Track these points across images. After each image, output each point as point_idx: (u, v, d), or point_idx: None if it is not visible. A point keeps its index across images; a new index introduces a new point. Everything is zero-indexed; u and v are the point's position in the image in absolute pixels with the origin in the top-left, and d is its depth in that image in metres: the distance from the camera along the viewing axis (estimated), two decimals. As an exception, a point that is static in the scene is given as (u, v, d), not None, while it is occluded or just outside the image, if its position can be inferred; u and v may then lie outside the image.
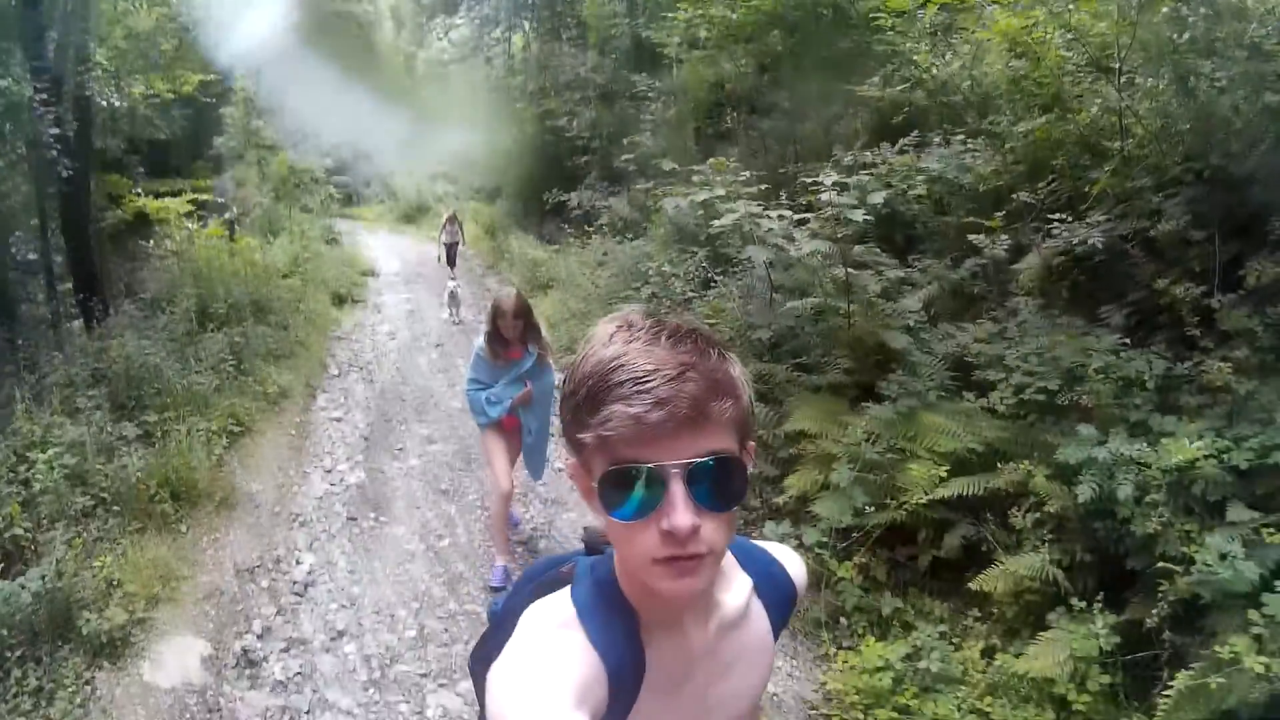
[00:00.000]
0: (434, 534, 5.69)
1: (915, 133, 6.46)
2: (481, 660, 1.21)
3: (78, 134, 8.61)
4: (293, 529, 5.67)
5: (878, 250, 5.92)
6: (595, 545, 1.09)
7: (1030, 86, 5.99)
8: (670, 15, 11.13)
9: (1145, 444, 3.67)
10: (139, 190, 13.30)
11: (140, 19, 10.67)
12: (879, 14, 7.11)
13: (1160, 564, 3.36)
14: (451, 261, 15.27)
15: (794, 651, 4.28)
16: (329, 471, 6.62)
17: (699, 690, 1.12)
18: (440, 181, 24.31)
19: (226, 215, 14.42)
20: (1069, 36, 5.46)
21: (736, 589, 1.16)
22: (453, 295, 12.05)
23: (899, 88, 6.76)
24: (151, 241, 11.52)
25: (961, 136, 6.25)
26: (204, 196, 14.38)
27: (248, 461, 6.63)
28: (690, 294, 8.56)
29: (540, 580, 1.21)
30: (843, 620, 4.36)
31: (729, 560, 1.17)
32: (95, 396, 6.49)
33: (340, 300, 12.93)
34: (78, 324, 8.37)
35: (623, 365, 0.91)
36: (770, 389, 5.88)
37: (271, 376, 8.21)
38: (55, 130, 7.92)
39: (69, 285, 9.67)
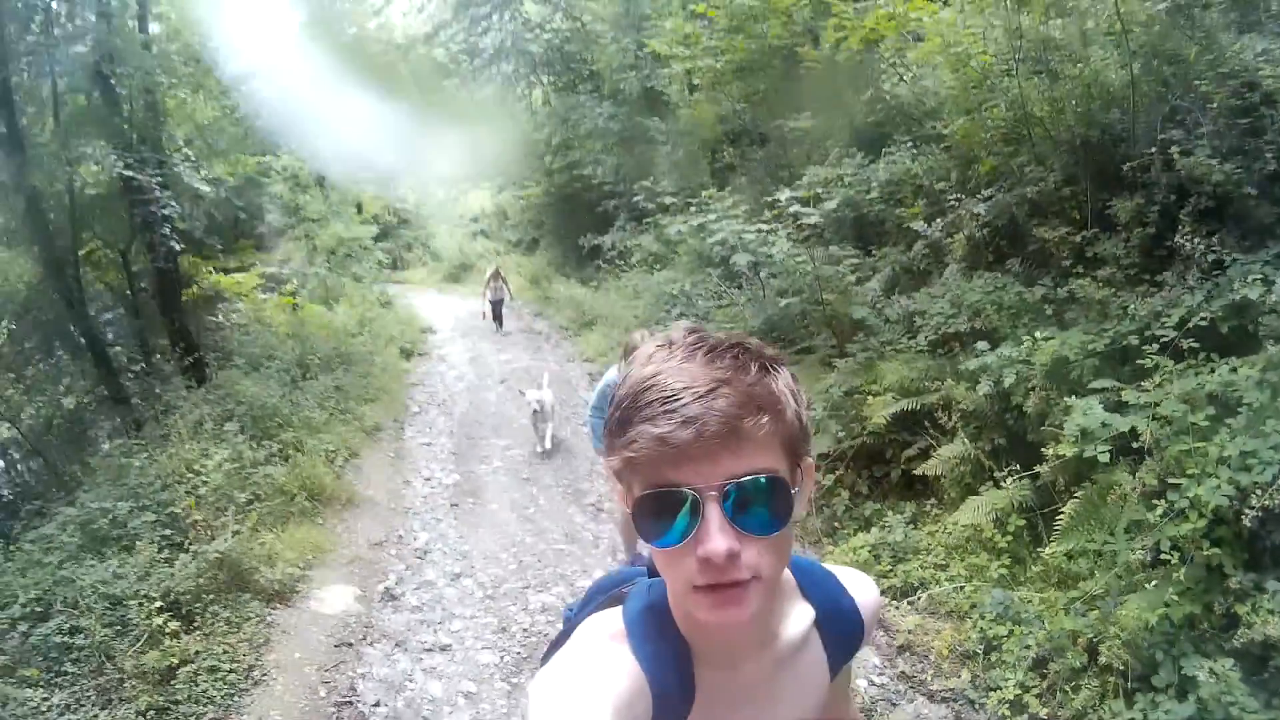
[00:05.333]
0: (522, 507, 7.14)
1: (856, 153, 7.84)
2: None
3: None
4: (407, 517, 7.11)
5: (847, 246, 7.34)
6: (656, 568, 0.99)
7: (952, 96, 7.28)
8: (666, 69, 12.60)
9: (1024, 348, 4.92)
10: (210, 268, 14.91)
11: (203, 111, 12.25)
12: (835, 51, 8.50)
13: (1046, 428, 4.62)
14: (498, 318, 15.94)
15: (801, 551, 5.51)
16: (428, 479, 8.04)
17: None
18: (479, 239, 25.80)
19: (287, 286, 15.87)
20: (978, 49, 6.63)
21: (795, 619, 1.10)
22: (539, 415, 8.48)
23: (814, 120, 8.11)
24: (219, 314, 13.21)
25: (910, 142, 7.66)
26: (270, 270, 15.96)
27: (359, 477, 8.05)
28: (709, 307, 10.08)
29: (605, 596, 1.20)
30: (837, 526, 5.77)
31: (790, 586, 1.11)
32: (236, 425, 7.89)
33: (407, 354, 14.19)
34: (179, 381, 9.73)
35: (654, 384, 0.87)
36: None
37: (366, 414, 9.68)
38: (165, 212, 9.54)
39: (166, 351, 11.09)
